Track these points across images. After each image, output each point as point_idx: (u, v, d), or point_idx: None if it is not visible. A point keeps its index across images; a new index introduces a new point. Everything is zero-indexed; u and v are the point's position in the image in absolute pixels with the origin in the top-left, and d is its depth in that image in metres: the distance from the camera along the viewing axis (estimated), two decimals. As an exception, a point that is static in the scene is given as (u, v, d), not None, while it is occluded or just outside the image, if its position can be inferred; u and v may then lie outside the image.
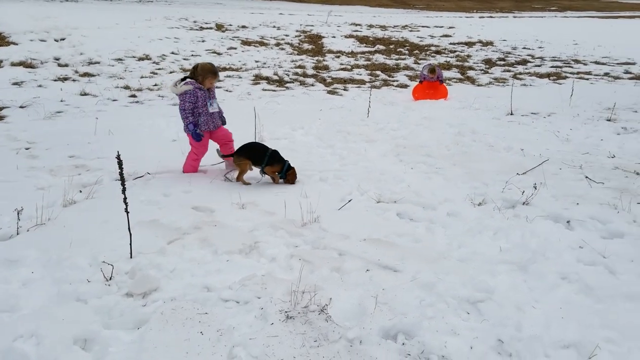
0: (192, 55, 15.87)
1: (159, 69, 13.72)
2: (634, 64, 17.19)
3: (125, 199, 3.82)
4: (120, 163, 3.78)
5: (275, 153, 5.87)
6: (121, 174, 3.80)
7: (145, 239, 4.20)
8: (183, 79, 5.87)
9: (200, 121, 5.96)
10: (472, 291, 3.56)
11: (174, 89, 5.87)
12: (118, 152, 3.87)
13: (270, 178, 5.95)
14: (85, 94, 10.35)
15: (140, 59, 14.72)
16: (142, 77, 12.44)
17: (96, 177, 5.72)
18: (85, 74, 12.43)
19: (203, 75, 5.88)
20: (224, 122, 6.31)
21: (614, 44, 21.29)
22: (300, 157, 6.77)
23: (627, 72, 15.60)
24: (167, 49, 16.21)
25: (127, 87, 11.18)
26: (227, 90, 11.37)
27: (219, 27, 21.39)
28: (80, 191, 5.32)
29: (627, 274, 3.79)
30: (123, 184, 3.80)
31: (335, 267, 3.87)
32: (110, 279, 3.62)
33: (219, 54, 16.53)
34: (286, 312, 3.25)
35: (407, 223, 4.79)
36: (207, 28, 20.87)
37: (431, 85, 11.36)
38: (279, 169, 5.85)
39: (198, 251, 4.13)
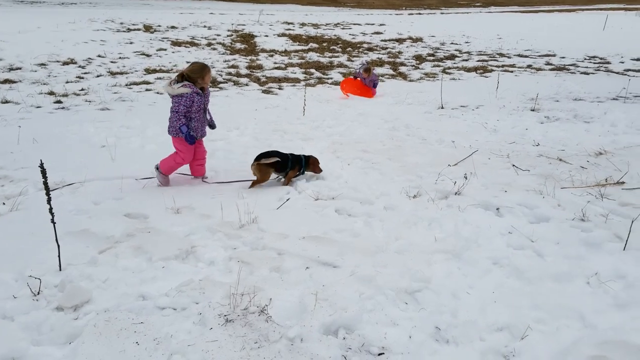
0: (120, 57, 15.38)
1: (86, 73, 13.20)
2: (554, 55, 18.07)
3: (50, 209, 3.65)
4: (44, 172, 3.60)
5: (294, 156, 5.86)
6: (45, 183, 3.62)
7: (75, 249, 4.03)
8: (179, 80, 5.51)
9: (191, 126, 5.64)
10: (410, 282, 3.62)
11: (169, 89, 5.51)
12: (41, 160, 3.69)
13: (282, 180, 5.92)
14: (6, 102, 9.80)
15: (65, 63, 14.12)
16: (67, 82, 11.93)
17: (20, 188, 5.43)
18: (6, 81, 11.79)
19: (199, 76, 5.52)
20: (213, 127, 5.98)
21: (535, 37, 22.32)
22: (237, 158, 6.70)
23: (548, 63, 16.38)
24: (93, 52, 15.64)
25: (51, 93, 10.68)
26: (157, 93, 11.08)
27: (147, 28, 20.84)
28: (4, 203, 5.03)
29: (553, 256, 3.98)
30: (48, 194, 3.62)
31: (274, 267, 3.85)
32: (38, 293, 3.44)
33: (148, 55, 16.10)
34: (225, 315, 3.20)
35: (346, 219, 4.83)
36: (134, 29, 20.29)
37: (361, 85, 11.47)
38: (299, 169, 5.85)
39: (132, 259, 3.99)
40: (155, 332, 3.05)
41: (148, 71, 13.71)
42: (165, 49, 17.27)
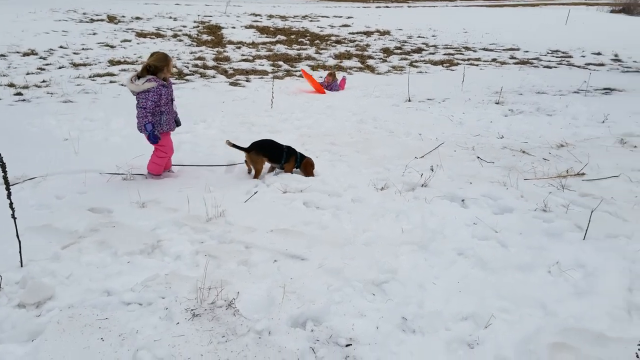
0: (83, 48, 15.01)
1: (47, 64, 12.85)
2: (518, 49, 18.40)
3: (11, 204, 3.55)
4: (3, 166, 3.49)
5: (290, 149, 5.83)
6: (5, 177, 3.52)
7: (37, 245, 3.93)
8: (142, 74, 5.28)
9: (163, 120, 5.46)
10: (377, 273, 3.66)
11: (133, 86, 5.27)
12: (0, 154, 3.58)
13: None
14: (-38, 93, 9.48)
15: (26, 54, 13.70)
16: (28, 74, 11.58)
17: (-22, 183, 5.27)
18: (-38, 72, 11.40)
19: (164, 65, 5.34)
20: (178, 124, 5.80)
21: (500, 32, 22.67)
22: (203, 151, 6.63)
23: (512, 57, 16.67)
24: (54, 42, 15.23)
25: (11, 85, 10.36)
26: (122, 85, 10.87)
27: (111, 19, 20.39)
28: (-40, 199, 4.87)
29: (516, 246, 4.07)
30: (8, 189, 3.52)
31: (242, 260, 3.83)
32: (-1, 290, 3.36)
33: (112, 46, 15.76)
34: (192, 310, 3.18)
35: (314, 211, 4.83)
36: (98, 20, 19.82)
37: (319, 85, 11.44)
38: (294, 164, 5.82)
39: (96, 254, 3.92)
40: (120, 328, 3.00)
41: (112, 63, 13.42)
42: (129, 40, 16.93)
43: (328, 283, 3.53)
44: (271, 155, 5.76)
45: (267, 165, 5.89)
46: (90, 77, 11.64)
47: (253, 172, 5.76)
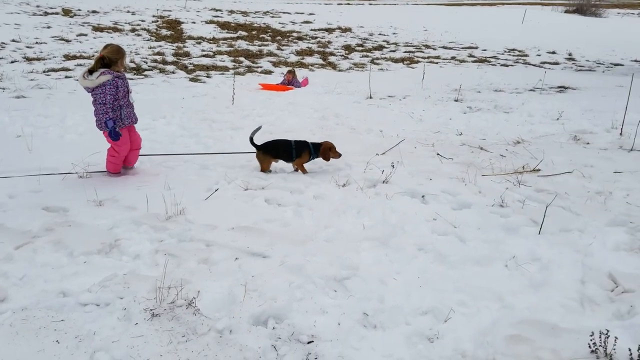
0: (37, 42, 14.54)
1: (-2, 58, 12.40)
2: (476, 48, 18.76)
3: (-42, 204, 3.41)
4: (-51, 164, 3.36)
5: (299, 144, 5.83)
6: (-49, 176, 3.38)
7: (-13, 246, 3.79)
8: (95, 68, 5.10)
9: (123, 114, 5.30)
10: (339, 269, 3.67)
11: (86, 82, 5.08)
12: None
13: (300, 171, 5.91)
14: None
15: (-26, 47, 13.20)
16: (-23, 68, 11.17)
17: None
18: None
19: (119, 58, 5.19)
20: (135, 120, 5.59)
21: (459, 30, 23.05)
22: (163, 148, 6.52)
23: (470, 55, 16.99)
24: (6, 36, 14.69)
25: (-41, 79, 9.98)
26: (77, 80, 10.58)
27: (67, 12, 19.81)
28: None
29: (474, 240, 4.15)
30: (-45, 188, 3.39)
31: (202, 259, 3.79)
32: (-54, 294, 3.22)
33: (67, 41, 15.31)
34: (151, 310, 3.12)
35: (275, 208, 4.81)
36: (52, 13, 19.24)
37: (282, 86, 11.43)
38: (308, 157, 5.82)
39: (51, 254, 3.81)
40: (76, 330, 2.93)
41: (68, 57, 13.05)
42: (86, 35, 16.48)
43: (290, 280, 3.52)
44: (278, 154, 5.83)
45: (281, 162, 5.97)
46: (44, 71, 11.29)
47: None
